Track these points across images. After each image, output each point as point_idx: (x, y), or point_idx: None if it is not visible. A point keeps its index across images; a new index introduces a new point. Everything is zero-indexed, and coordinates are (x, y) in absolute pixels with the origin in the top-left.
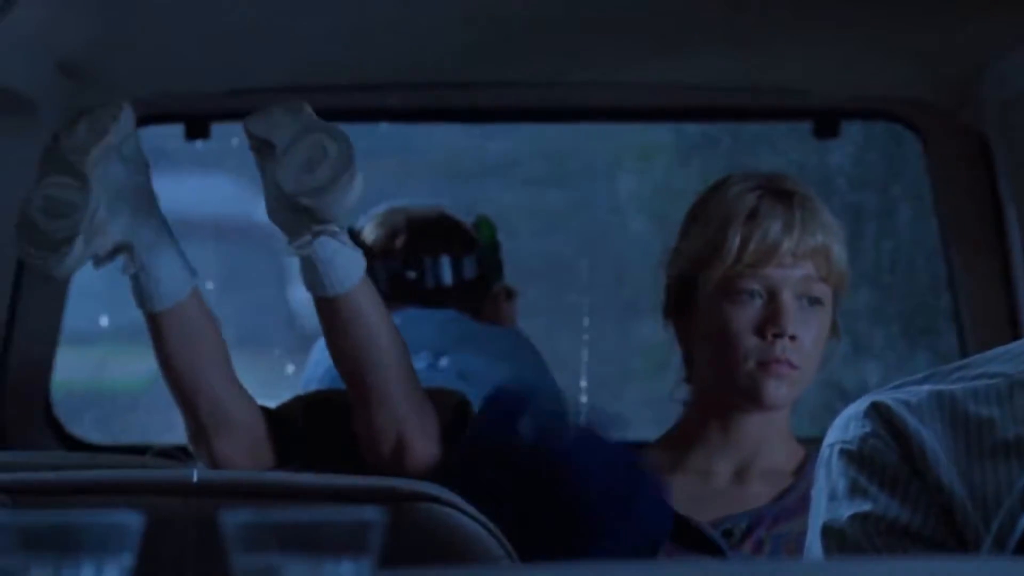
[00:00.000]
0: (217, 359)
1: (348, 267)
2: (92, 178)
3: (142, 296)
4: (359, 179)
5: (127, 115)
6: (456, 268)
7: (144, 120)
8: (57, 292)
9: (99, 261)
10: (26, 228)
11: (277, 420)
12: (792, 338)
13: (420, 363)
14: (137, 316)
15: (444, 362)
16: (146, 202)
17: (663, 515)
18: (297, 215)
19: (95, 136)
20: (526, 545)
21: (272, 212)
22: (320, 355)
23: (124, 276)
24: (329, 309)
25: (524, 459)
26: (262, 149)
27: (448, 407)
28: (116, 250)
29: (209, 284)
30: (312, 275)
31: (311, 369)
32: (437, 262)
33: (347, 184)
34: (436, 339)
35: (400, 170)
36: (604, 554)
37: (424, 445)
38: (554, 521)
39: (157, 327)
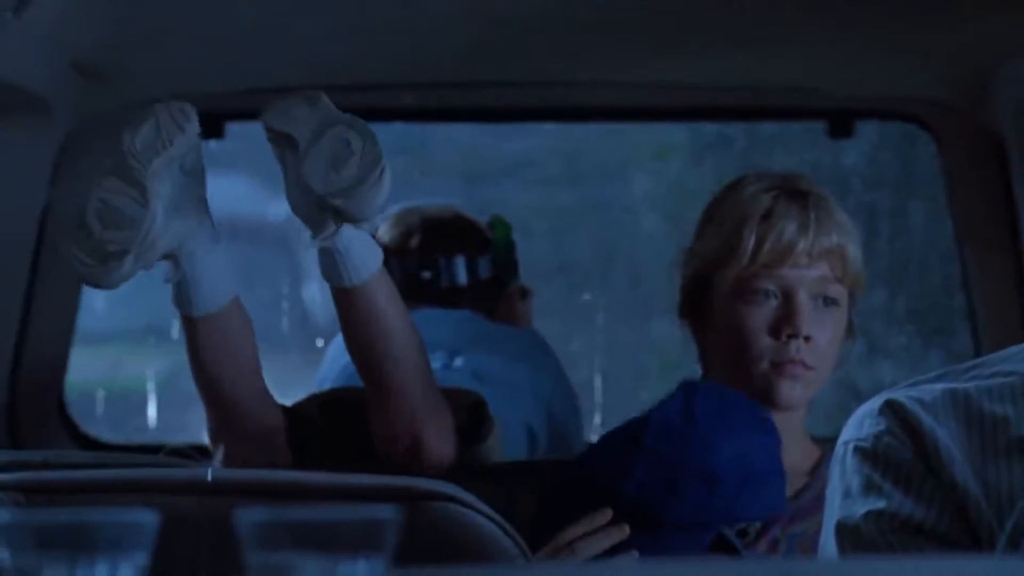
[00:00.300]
0: (248, 367)
1: (365, 256)
2: (151, 191)
3: (181, 300)
4: (388, 174)
5: (193, 126)
6: (471, 268)
7: None
8: (71, 291)
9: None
10: (79, 232)
11: (293, 418)
12: (807, 339)
13: (435, 363)
14: (150, 316)
15: (459, 362)
16: (198, 211)
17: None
18: (324, 212)
19: (160, 145)
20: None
21: (296, 207)
22: (336, 353)
23: (144, 278)
24: (347, 301)
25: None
26: (282, 142)
27: (463, 407)
28: (162, 258)
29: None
30: (330, 265)
31: (327, 367)
32: (452, 262)
33: (377, 182)
34: (451, 339)
35: (414, 170)
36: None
37: (439, 445)
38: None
39: (193, 332)
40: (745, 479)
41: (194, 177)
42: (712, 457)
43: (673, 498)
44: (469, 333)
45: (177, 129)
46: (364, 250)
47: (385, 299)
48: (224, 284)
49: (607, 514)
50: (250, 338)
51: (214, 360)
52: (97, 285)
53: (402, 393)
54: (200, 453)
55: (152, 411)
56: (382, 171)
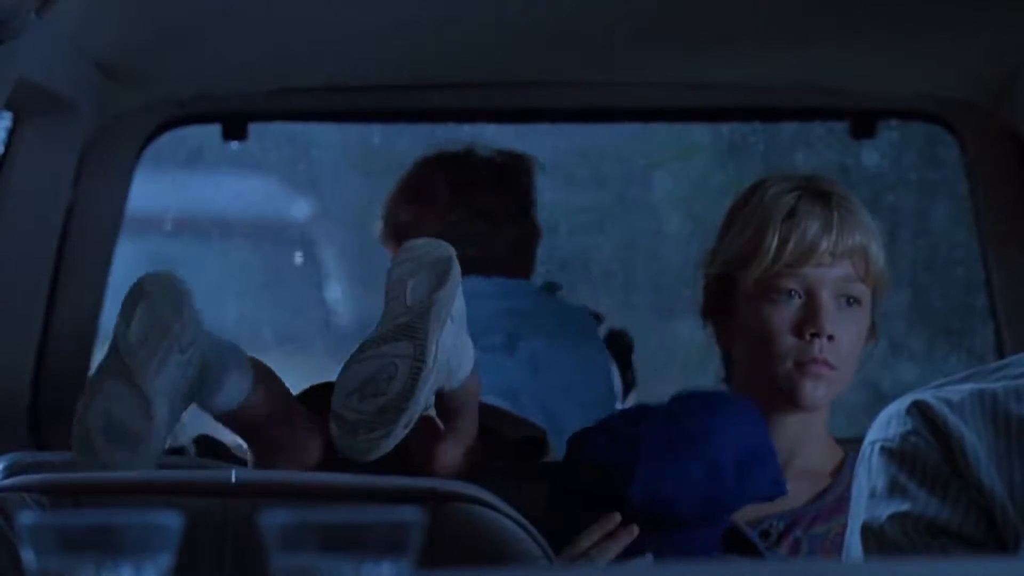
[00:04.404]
0: (286, 415)
1: (465, 352)
2: (155, 398)
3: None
4: (399, 433)
5: (189, 308)
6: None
7: (182, 121)
8: (94, 292)
9: None
10: (83, 446)
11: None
12: (830, 338)
13: (493, 340)
14: None
15: (520, 349)
16: (199, 380)
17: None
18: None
19: (157, 337)
20: None
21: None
22: None
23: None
24: (440, 401)
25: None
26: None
27: (521, 429)
28: None
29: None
30: None
31: None
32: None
33: (382, 438)
34: (508, 318)
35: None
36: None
37: (446, 462)
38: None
39: (223, 421)
40: (742, 463)
41: (193, 349)
42: (708, 447)
43: (678, 495)
44: (527, 311)
45: (174, 316)
46: (463, 351)
47: (471, 401)
48: (237, 389)
49: (615, 518)
50: (279, 392)
51: (250, 431)
52: None
53: (445, 417)
54: (229, 452)
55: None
56: (389, 432)
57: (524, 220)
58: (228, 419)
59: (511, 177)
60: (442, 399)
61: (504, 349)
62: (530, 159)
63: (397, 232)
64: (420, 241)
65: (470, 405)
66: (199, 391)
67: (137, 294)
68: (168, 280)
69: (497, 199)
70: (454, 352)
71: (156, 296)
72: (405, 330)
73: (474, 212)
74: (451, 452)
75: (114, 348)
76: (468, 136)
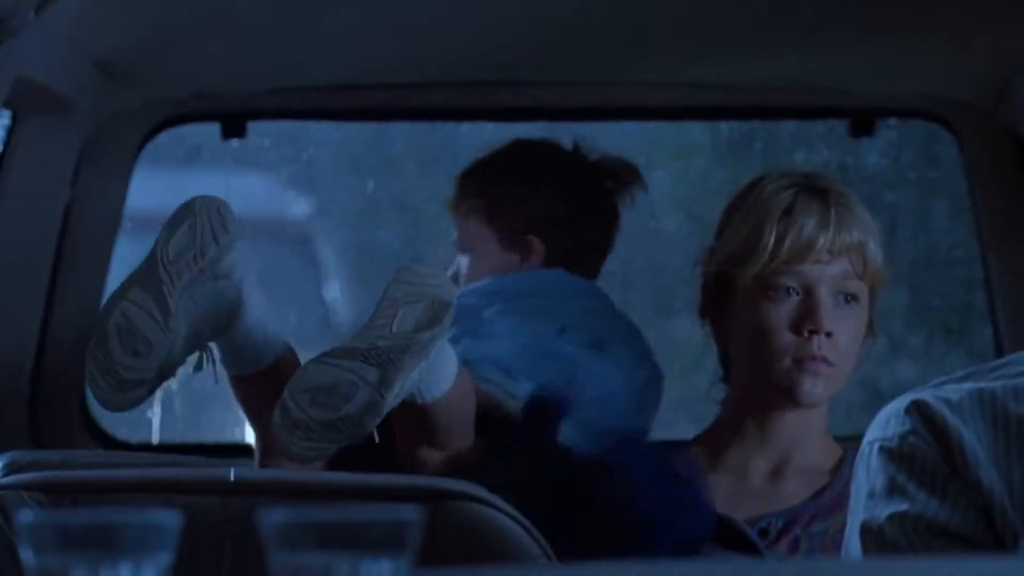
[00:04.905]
0: None
1: (443, 373)
2: (176, 314)
3: (225, 363)
4: (335, 448)
5: (229, 235)
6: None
7: (181, 119)
8: (93, 289)
9: None
10: (98, 348)
11: None
12: (828, 335)
13: (583, 338)
14: None
15: (609, 352)
16: (227, 314)
17: (705, 518)
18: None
19: (192, 258)
20: (564, 547)
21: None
22: None
23: None
24: (421, 414)
25: (561, 463)
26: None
27: (491, 410)
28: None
29: None
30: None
31: None
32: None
33: (325, 448)
34: (592, 319)
35: (437, 168)
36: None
37: (423, 459)
38: (593, 524)
39: (238, 387)
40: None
41: (227, 280)
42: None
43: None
44: (608, 314)
45: (212, 240)
46: (442, 366)
47: (457, 411)
48: (264, 347)
49: None
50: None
51: (267, 404)
52: (109, 409)
53: (434, 420)
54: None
55: (175, 408)
56: (324, 448)
57: (610, 227)
58: (243, 385)
59: (612, 183)
60: (418, 411)
61: (594, 348)
62: (635, 170)
63: (485, 206)
64: (429, 271)
65: (452, 417)
66: (226, 327)
67: (185, 212)
68: (219, 206)
69: (593, 200)
70: (421, 376)
71: (203, 218)
72: (379, 355)
73: (567, 207)
74: (435, 457)
75: (151, 258)
76: (465, 133)
